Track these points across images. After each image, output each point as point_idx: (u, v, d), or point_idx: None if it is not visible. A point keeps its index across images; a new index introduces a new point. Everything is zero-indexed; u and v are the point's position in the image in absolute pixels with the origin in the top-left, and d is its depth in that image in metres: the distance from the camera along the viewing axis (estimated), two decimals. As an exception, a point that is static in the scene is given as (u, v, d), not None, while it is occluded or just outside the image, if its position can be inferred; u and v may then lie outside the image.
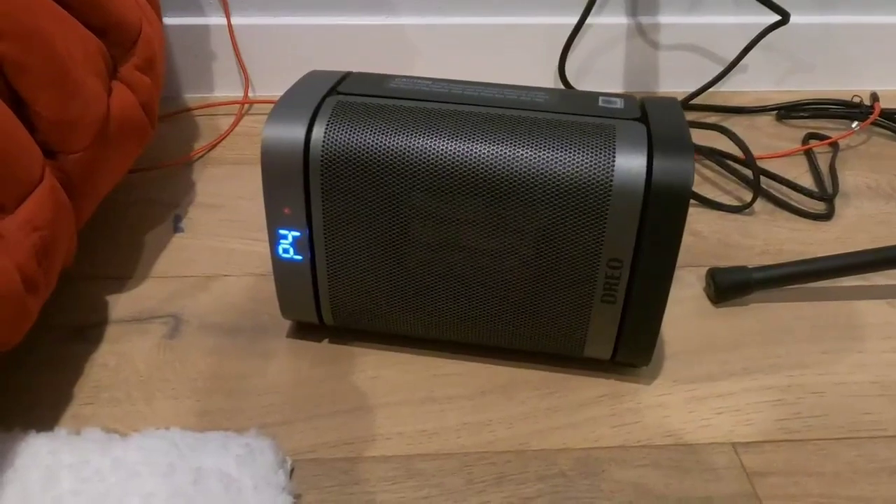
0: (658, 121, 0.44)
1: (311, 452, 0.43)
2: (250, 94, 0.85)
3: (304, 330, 0.52)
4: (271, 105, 0.82)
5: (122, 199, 0.66)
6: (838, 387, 0.49)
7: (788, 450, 0.44)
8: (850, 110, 0.83)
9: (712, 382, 0.49)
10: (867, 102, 0.83)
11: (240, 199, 0.67)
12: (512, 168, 0.42)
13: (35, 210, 0.42)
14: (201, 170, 0.72)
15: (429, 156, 0.42)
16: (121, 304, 0.54)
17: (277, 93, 0.84)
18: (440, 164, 0.42)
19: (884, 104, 0.82)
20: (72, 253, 0.49)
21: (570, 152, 0.41)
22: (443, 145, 0.42)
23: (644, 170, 0.41)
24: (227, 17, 0.82)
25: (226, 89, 0.86)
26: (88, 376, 0.48)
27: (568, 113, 0.44)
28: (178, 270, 0.58)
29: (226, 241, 0.62)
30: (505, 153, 0.42)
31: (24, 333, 0.42)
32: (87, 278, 0.57)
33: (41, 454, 0.40)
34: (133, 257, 0.60)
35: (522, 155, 0.42)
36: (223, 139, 0.77)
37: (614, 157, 0.41)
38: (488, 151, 0.42)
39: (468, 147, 0.42)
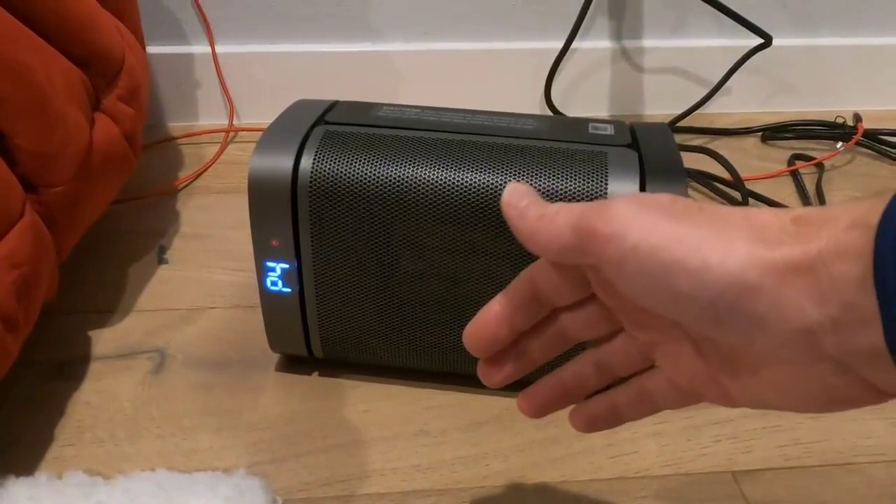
0: (649, 147, 0.43)
1: (302, 491, 0.42)
2: (235, 122, 0.85)
3: (292, 363, 0.51)
4: (256, 133, 0.82)
5: (104, 231, 0.64)
6: (835, 411, 0.48)
7: (788, 477, 0.44)
8: (833, 131, 0.84)
9: (709, 409, 0.48)
10: (850, 123, 0.84)
11: (226, 228, 0.66)
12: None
13: (14, 246, 0.41)
14: (186, 199, 0.71)
15: (419, 186, 0.42)
16: (104, 340, 0.53)
17: (262, 120, 0.83)
18: (431, 194, 0.42)
19: (866, 124, 0.82)
20: (53, 287, 0.47)
21: (562, 180, 0.41)
22: (434, 175, 0.42)
23: (637, 197, 0.40)
24: (212, 45, 0.82)
25: (210, 117, 0.85)
26: (70, 416, 0.47)
27: (559, 140, 0.44)
28: (162, 303, 0.57)
29: (212, 273, 0.61)
30: (496, 182, 0.41)
31: (3, 373, 0.41)
32: (69, 312, 0.55)
33: (21, 501, 0.38)
34: (116, 290, 0.58)
35: (514, 183, 0.41)
36: (208, 168, 0.76)
37: (607, 184, 0.41)
38: (480, 181, 0.41)
39: (459, 177, 0.42)
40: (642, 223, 0.23)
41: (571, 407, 0.34)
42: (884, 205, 0.20)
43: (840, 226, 0.21)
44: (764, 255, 0.21)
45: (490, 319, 0.30)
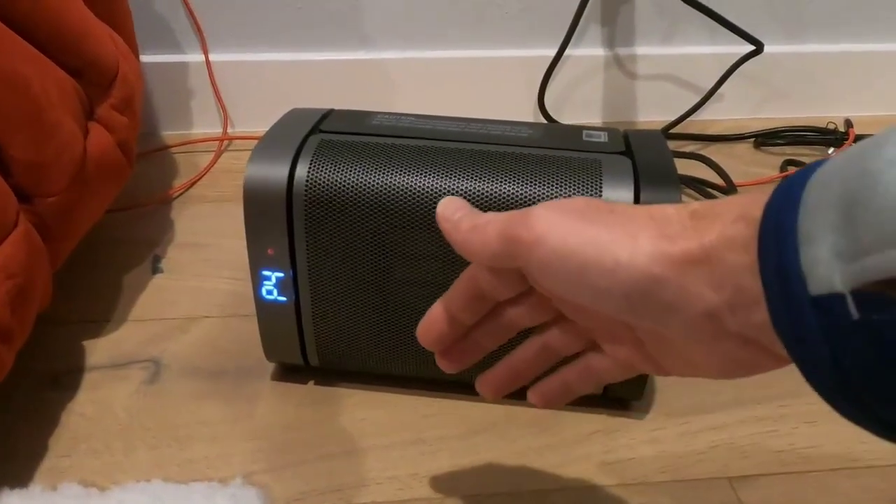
0: (643, 154, 0.44)
1: (298, 500, 0.42)
2: (229, 131, 0.85)
3: (288, 372, 0.51)
4: (251, 141, 0.82)
5: (99, 240, 0.64)
6: (830, 415, 0.48)
7: (785, 483, 0.44)
8: (825, 137, 0.84)
9: (705, 414, 0.48)
10: (841, 129, 0.85)
11: (220, 237, 0.66)
12: (498, 205, 0.41)
13: (8, 257, 0.40)
14: (181, 208, 0.71)
15: (414, 194, 0.42)
16: (98, 349, 0.53)
17: (256, 129, 0.84)
18: (426, 202, 0.42)
19: (857, 130, 0.83)
20: (47, 297, 0.47)
21: (556, 188, 0.41)
22: (428, 183, 0.42)
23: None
24: (206, 54, 0.82)
25: (204, 126, 0.85)
26: (65, 426, 0.46)
27: (553, 148, 0.44)
28: (157, 313, 0.57)
29: (206, 282, 0.60)
30: (491, 190, 0.41)
31: (-3, 385, 0.40)
32: (63, 322, 0.55)
33: (15, 512, 0.38)
34: (111, 300, 0.58)
35: (509, 191, 0.41)
36: (202, 176, 0.76)
37: (601, 191, 0.41)
38: (474, 188, 0.42)
39: (454, 184, 0.42)
40: (561, 228, 0.26)
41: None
42: (765, 199, 0.22)
43: (728, 219, 0.23)
44: (666, 250, 0.24)
45: (435, 320, 0.33)
